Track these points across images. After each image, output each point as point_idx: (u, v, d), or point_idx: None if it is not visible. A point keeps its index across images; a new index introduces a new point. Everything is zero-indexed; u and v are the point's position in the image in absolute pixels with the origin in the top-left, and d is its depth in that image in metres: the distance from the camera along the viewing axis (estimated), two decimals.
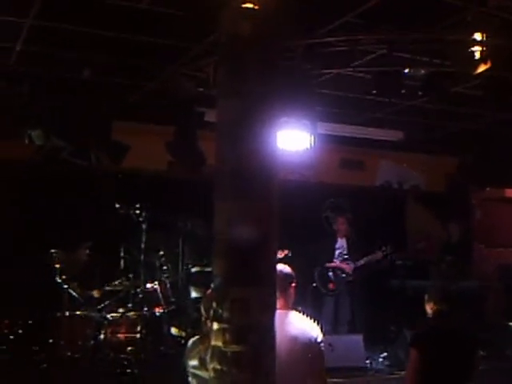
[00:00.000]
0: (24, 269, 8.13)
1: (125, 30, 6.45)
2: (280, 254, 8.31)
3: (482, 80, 7.07)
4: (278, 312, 3.94)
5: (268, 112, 3.83)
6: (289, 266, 4.35)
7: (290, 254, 8.59)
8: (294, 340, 4.03)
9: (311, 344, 4.08)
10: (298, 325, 4.14)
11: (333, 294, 9.38)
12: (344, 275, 9.39)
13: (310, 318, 4.27)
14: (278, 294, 4.00)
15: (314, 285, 9.32)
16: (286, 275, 4.25)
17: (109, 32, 6.48)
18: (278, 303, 4.02)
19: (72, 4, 5.87)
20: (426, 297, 5.16)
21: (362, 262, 9.41)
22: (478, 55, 5.74)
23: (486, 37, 5.69)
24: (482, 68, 5.80)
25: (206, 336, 3.94)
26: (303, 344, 4.05)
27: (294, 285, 4.27)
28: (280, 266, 4.21)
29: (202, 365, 3.94)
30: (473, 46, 5.75)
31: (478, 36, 5.68)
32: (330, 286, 9.38)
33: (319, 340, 4.13)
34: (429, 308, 5.11)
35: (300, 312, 4.31)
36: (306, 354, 4.03)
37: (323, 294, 9.38)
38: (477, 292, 10.11)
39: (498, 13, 5.56)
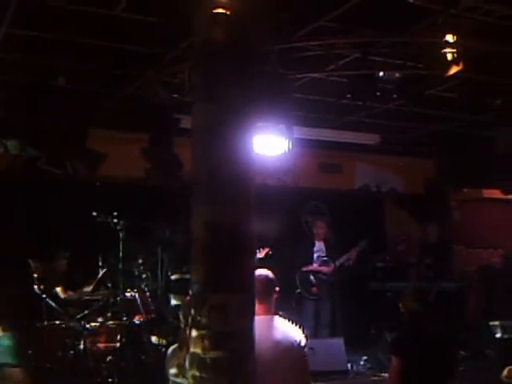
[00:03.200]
0: (2, 279, 8.05)
1: (99, 37, 6.43)
2: (260, 254, 8.33)
3: (457, 82, 7.14)
4: (262, 317, 3.95)
5: (243, 116, 3.84)
6: (270, 270, 4.34)
7: (270, 253, 8.59)
8: (277, 344, 4.02)
9: (294, 348, 4.08)
10: (281, 329, 4.13)
11: (316, 297, 9.39)
12: (325, 277, 9.41)
13: (292, 323, 4.27)
14: (261, 300, 4.01)
15: (298, 291, 9.34)
16: (270, 280, 4.23)
17: (83, 39, 6.45)
18: (262, 309, 4.03)
19: (46, 11, 5.83)
20: (401, 299, 5.19)
21: (340, 261, 9.45)
22: (450, 57, 5.79)
23: (458, 39, 5.74)
24: (454, 70, 5.85)
25: (184, 343, 3.93)
26: (286, 348, 4.04)
27: (277, 289, 4.26)
28: (263, 272, 4.21)
29: (181, 372, 3.93)
30: (445, 48, 5.79)
31: (449, 38, 5.73)
32: (313, 289, 9.40)
33: (302, 344, 4.13)
34: (403, 309, 5.14)
35: (281, 316, 4.30)
36: (289, 357, 4.02)
37: (305, 297, 9.39)
38: (457, 293, 10.17)
39: (468, 14, 5.61)
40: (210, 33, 3.81)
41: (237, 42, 3.88)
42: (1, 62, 6.98)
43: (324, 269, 9.45)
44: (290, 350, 4.04)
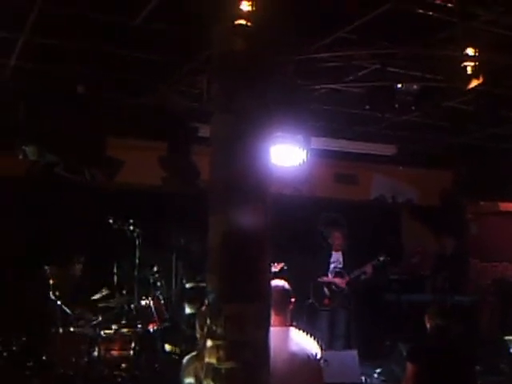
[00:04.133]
0: (17, 284, 8.09)
1: (119, 46, 6.47)
2: (275, 268, 8.30)
3: (475, 95, 7.11)
4: (278, 329, 3.94)
5: (262, 127, 3.84)
6: (286, 281, 4.33)
7: (285, 267, 8.56)
8: (293, 356, 4.02)
9: (310, 361, 4.07)
10: (297, 341, 4.13)
11: (328, 309, 9.34)
12: (338, 289, 9.36)
13: (307, 334, 4.26)
14: (277, 311, 4.01)
15: (311, 301, 9.30)
16: (286, 291, 4.24)
17: (103, 48, 6.49)
18: (278, 320, 4.02)
19: (66, 20, 5.88)
20: (427, 314, 5.22)
21: (355, 273, 9.39)
22: (469, 70, 5.76)
23: (478, 52, 5.71)
24: (474, 83, 5.82)
25: (201, 353, 3.92)
26: (302, 361, 4.03)
27: (292, 300, 4.25)
28: (279, 282, 4.21)
29: (198, 382, 3.92)
30: (465, 61, 5.77)
31: (469, 51, 5.71)
32: (326, 301, 9.34)
33: (318, 357, 4.12)
34: (427, 323, 5.16)
35: (295, 327, 4.29)
36: (305, 371, 4.02)
37: (318, 309, 9.35)
38: (472, 306, 10.09)
39: (488, 28, 5.59)
40: (230, 44, 3.83)
41: (256, 53, 3.89)
42: (20, 70, 7.05)
43: (338, 280, 9.40)
44: (306, 363, 4.03)
